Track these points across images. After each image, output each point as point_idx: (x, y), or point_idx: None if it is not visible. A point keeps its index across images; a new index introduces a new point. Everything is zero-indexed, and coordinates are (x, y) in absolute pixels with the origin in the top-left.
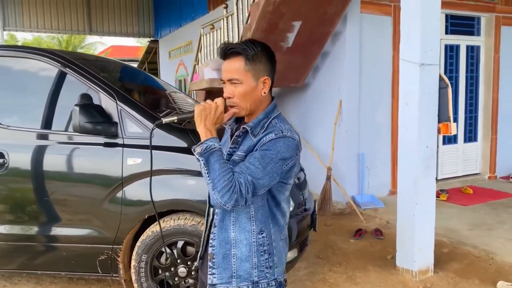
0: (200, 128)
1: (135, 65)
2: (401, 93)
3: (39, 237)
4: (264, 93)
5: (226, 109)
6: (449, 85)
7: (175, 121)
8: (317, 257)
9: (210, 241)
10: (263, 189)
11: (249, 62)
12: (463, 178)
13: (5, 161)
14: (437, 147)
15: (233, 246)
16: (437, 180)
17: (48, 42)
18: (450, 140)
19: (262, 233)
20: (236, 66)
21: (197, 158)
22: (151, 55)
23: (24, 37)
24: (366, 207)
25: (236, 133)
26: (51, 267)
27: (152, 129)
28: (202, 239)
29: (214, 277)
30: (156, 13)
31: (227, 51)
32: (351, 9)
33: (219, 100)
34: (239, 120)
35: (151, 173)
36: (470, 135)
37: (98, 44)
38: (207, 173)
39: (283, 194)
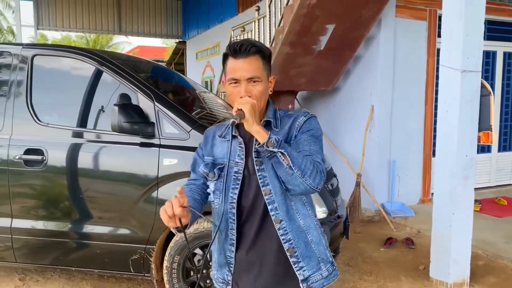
0: (255, 127)
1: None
2: (441, 100)
3: (74, 234)
4: (271, 91)
5: None
6: (492, 93)
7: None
8: (346, 264)
9: (283, 237)
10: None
11: (265, 61)
12: (497, 188)
13: (44, 158)
14: None
15: (307, 233)
16: None
17: (76, 41)
18: (483, 149)
19: (315, 216)
20: (256, 64)
21: (270, 153)
22: (178, 56)
23: (53, 36)
24: (395, 215)
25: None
26: (85, 264)
27: (232, 127)
28: (219, 250)
29: (304, 270)
30: (184, 14)
31: (246, 49)
32: (385, 13)
33: (248, 98)
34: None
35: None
36: (505, 144)
37: (125, 44)
38: (291, 163)
39: None
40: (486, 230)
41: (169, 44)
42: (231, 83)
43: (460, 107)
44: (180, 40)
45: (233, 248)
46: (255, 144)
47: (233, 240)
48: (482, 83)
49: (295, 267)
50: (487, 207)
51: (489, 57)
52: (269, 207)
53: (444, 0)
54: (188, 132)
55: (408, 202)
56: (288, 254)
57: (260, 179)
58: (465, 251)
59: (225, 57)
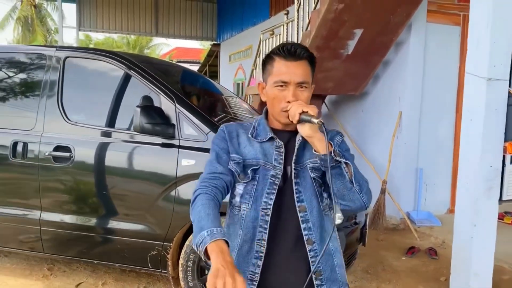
0: (319, 133)
1: (197, 67)
2: (465, 108)
3: (97, 229)
4: (309, 97)
5: None
6: None
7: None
8: (365, 272)
9: (312, 259)
10: None
11: (312, 68)
12: None
13: (72, 155)
14: (504, 166)
15: (334, 256)
16: (502, 201)
17: (117, 42)
18: None
19: (338, 237)
20: (306, 69)
21: (336, 162)
22: (212, 58)
23: (96, 37)
24: (421, 224)
25: (297, 139)
26: (106, 258)
27: (323, 125)
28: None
29: None
30: (219, 17)
31: (300, 52)
32: (416, 17)
33: (314, 108)
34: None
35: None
36: None
37: (164, 46)
38: (353, 176)
39: None
40: None
41: (206, 45)
42: (278, 85)
43: (485, 116)
44: (215, 42)
45: (260, 263)
46: (296, 151)
47: (262, 253)
48: (509, 92)
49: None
50: None
51: None
52: (302, 226)
53: (471, 6)
54: (207, 134)
55: (436, 212)
56: (314, 276)
57: (296, 193)
58: (487, 264)
59: (270, 59)
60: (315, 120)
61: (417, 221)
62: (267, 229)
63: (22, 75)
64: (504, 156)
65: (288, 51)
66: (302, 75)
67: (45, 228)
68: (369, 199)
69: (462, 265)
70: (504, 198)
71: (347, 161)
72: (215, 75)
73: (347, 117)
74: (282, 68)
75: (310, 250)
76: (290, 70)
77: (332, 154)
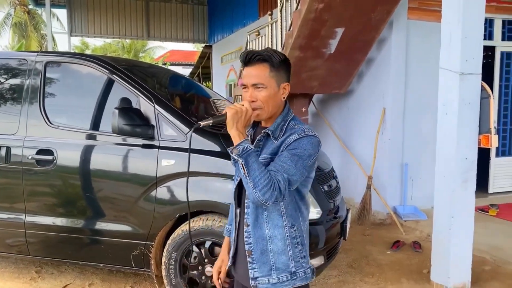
0: (233, 131)
1: (190, 69)
2: (440, 102)
3: (81, 230)
4: (284, 98)
5: None
6: (491, 95)
7: (211, 124)
8: (349, 266)
9: (246, 239)
10: (295, 185)
11: (274, 69)
12: None
13: (54, 158)
14: (489, 159)
15: (269, 242)
16: (488, 194)
17: (113, 47)
18: (504, 152)
19: (293, 227)
20: (262, 72)
21: (235, 159)
22: (205, 60)
23: (94, 43)
24: (407, 219)
25: (258, 137)
26: (91, 259)
27: (192, 131)
28: (232, 240)
29: (255, 271)
30: (210, 19)
31: (253, 58)
32: (397, 15)
33: (246, 104)
34: (255, 125)
35: (188, 174)
36: None
37: (159, 49)
38: (247, 173)
39: (307, 187)
40: (499, 236)
41: (200, 48)
42: (242, 88)
43: (459, 109)
44: (207, 44)
45: (234, 236)
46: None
47: (235, 230)
48: (482, 86)
49: (249, 266)
50: (505, 212)
51: (509, 58)
52: (245, 210)
53: (443, 2)
54: (186, 134)
55: (422, 206)
56: (247, 254)
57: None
58: (465, 255)
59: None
60: (209, 121)
61: (403, 216)
62: (237, 215)
63: (4, 81)
64: (489, 150)
65: (244, 58)
66: (256, 77)
67: (30, 231)
68: (265, 196)
69: (441, 256)
70: (490, 191)
71: (239, 159)
72: (208, 77)
73: (333, 115)
74: (243, 73)
75: (245, 231)
76: (247, 74)
77: (230, 152)
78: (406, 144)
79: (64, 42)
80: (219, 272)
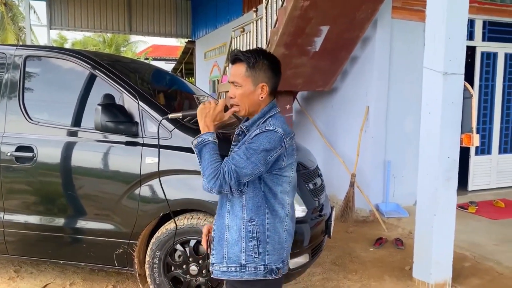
0: (201, 124)
1: (173, 64)
2: (424, 102)
3: (62, 229)
4: (262, 97)
5: (227, 109)
6: (474, 95)
7: (180, 117)
8: (333, 263)
9: (213, 226)
10: (247, 178)
11: (249, 69)
12: (496, 190)
13: (34, 155)
14: (469, 157)
15: (226, 231)
16: (467, 191)
17: (94, 41)
18: (483, 150)
19: (252, 221)
20: (238, 71)
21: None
22: (188, 55)
23: (74, 36)
24: (389, 216)
25: (236, 132)
26: (72, 258)
27: (160, 123)
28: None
29: (213, 257)
30: (193, 14)
31: (233, 57)
32: (381, 14)
33: (220, 101)
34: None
35: (158, 170)
36: (506, 146)
37: (141, 43)
38: (200, 162)
39: (280, 186)
40: (478, 232)
41: (183, 42)
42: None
43: (443, 109)
44: (190, 39)
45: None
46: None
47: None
48: (464, 86)
49: (211, 252)
50: (484, 209)
51: (489, 59)
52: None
53: (428, 2)
54: (171, 131)
55: (404, 203)
56: (211, 240)
57: None
58: (447, 252)
59: None
60: (179, 114)
61: (385, 213)
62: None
63: None
64: (469, 148)
65: (229, 57)
66: (233, 76)
67: (9, 229)
68: (210, 184)
69: (423, 253)
70: (470, 188)
71: (194, 149)
72: (191, 72)
73: (317, 112)
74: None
75: (215, 218)
76: (230, 72)
77: (192, 142)
78: (388, 142)
79: (42, 36)
80: (209, 231)
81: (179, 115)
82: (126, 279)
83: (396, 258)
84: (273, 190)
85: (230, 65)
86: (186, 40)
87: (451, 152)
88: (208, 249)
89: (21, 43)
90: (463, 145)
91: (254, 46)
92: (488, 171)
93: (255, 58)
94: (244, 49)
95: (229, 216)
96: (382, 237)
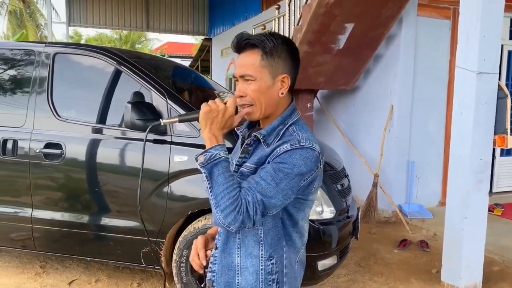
0: (205, 134)
1: (189, 62)
2: (456, 102)
3: (89, 226)
4: (282, 93)
5: (237, 111)
6: (509, 95)
7: (177, 122)
8: (358, 265)
9: (210, 265)
10: (274, 210)
11: (266, 57)
12: None
13: (63, 152)
14: (494, 158)
15: (237, 274)
16: (492, 193)
17: (109, 38)
18: (508, 152)
19: (271, 259)
20: (251, 60)
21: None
22: (204, 53)
23: (87, 33)
24: (413, 217)
25: (246, 141)
26: (99, 255)
27: (148, 130)
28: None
29: None
30: (210, 11)
31: (242, 43)
32: (407, 11)
33: (230, 100)
34: (252, 125)
35: (141, 173)
36: None
37: (155, 41)
38: (210, 188)
39: (302, 212)
40: (506, 235)
41: (198, 39)
42: (235, 80)
43: (475, 109)
44: (206, 37)
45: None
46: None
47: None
48: (499, 85)
49: None
50: (510, 212)
51: None
52: (218, 229)
53: (461, 1)
54: (199, 130)
55: (427, 204)
56: (207, 284)
57: None
58: (477, 256)
59: None
60: (175, 119)
61: (408, 214)
62: (218, 233)
63: (11, 72)
64: (494, 149)
65: (233, 44)
66: (244, 67)
67: (37, 225)
68: (227, 220)
69: (453, 257)
70: (494, 190)
71: (203, 170)
72: (207, 70)
73: (338, 111)
74: (236, 61)
75: (212, 255)
76: (237, 63)
77: (196, 160)
78: (412, 141)
79: (58, 32)
80: (206, 244)
81: (175, 120)
82: (150, 277)
83: (422, 261)
84: (294, 217)
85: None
86: (202, 37)
87: (483, 153)
88: (206, 270)
89: (39, 40)
90: (496, 146)
91: None
92: None
93: (273, 42)
94: None
95: (241, 253)
96: (406, 239)
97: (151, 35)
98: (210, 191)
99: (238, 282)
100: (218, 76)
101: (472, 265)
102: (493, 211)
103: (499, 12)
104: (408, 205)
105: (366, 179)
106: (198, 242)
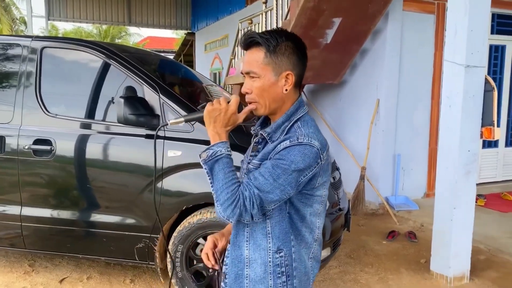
0: (209, 131)
1: (171, 56)
2: (444, 95)
3: (81, 222)
4: (286, 90)
5: (241, 109)
6: (495, 88)
7: (183, 122)
8: (348, 257)
9: (225, 258)
10: (272, 204)
11: (270, 54)
12: (503, 183)
13: (53, 148)
14: None
15: (247, 266)
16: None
17: (88, 33)
18: (490, 144)
19: (280, 252)
20: (255, 57)
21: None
22: (187, 47)
23: (64, 27)
24: (399, 209)
25: (255, 140)
26: (92, 252)
27: (157, 130)
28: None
29: None
30: (193, 6)
31: (247, 41)
32: (393, 6)
33: (233, 99)
34: (265, 123)
35: (155, 171)
36: None
37: (136, 35)
38: (211, 183)
39: (310, 207)
40: (490, 225)
41: (179, 34)
42: (244, 76)
43: (464, 102)
44: (189, 31)
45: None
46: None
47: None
48: (486, 79)
49: None
50: (492, 202)
51: (498, 51)
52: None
53: None
54: (193, 124)
55: (413, 196)
56: (222, 276)
57: None
58: (465, 245)
59: None
60: (180, 120)
61: (395, 206)
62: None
63: None
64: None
65: (240, 42)
66: (248, 64)
67: (27, 224)
68: (226, 212)
69: (442, 247)
70: (477, 181)
71: (204, 166)
72: (190, 64)
73: (325, 106)
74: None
75: (226, 249)
76: (244, 60)
77: (200, 156)
78: (398, 135)
79: (35, 26)
80: (215, 245)
81: (181, 120)
82: (143, 273)
83: (410, 251)
84: (301, 212)
85: (243, 52)
86: (184, 32)
87: (471, 145)
88: (218, 267)
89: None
90: (484, 138)
91: None
92: (495, 164)
93: (276, 40)
94: None
95: (249, 246)
96: (394, 230)
97: (131, 29)
98: (212, 186)
99: (247, 274)
100: (202, 70)
101: (461, 254)
102: (476, 202)
103: (486, 7)
104: (395, 197)
105: (353, 172)
106: (207, 244)
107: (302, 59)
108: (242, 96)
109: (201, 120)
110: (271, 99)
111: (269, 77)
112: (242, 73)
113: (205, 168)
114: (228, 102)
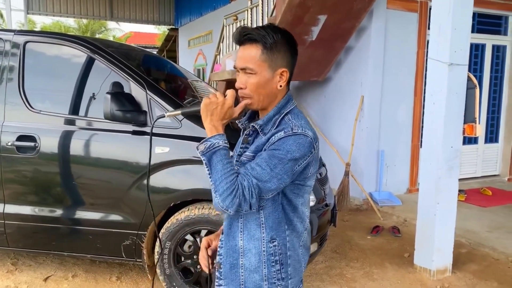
0: (206, 124)
1: (154, 52)
2: (428, 92)
3: (66, 220)
4: (280, 86)
5: (237, 102)
6: (477, 86)
7: (179, 114)
8: (334, 252)
9: (218, 249)
10: (270, 193)
11: (266, 51)
12: (482, 179)
13: (37, 144)
14: None
15: (241, 256)
16: None
17: (67, 27)
18: (470, 140)
19: (273, 242)
20: (251, 54)
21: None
22: (170, 43)
23: (42, 21)
24: (383, 204)
25: (246, 132)
26: (77, 250)
27: (154, 122)
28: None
29: None
30: (177, 1)
31: (243, 37)
32: (377, 4)
33: (229, 93)
34: (252, 117)
35: (149, 166)
36: (491, 136)
37: (117, 30)
38: (209, 174)
39: (301, 197)
40: (470, 219)
41: (162, 29)
42: (237, 71)
43: (447, 99)
44: (173, 27)
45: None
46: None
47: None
48: (468, 76)
49: (216, 282)
50: (472, 197)
51: (478, 50)
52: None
53: None
54: (180, 121)
55: (396, 192)
56: (216, 267)
57: None
58: (448, 240)
59: None
60: (177, 112)
61: (379, 201)
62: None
63: None
64: None
65: (235, 36)
66: (244, 60)
67: (10, 221)
68: (225, 203)
69: (426, 241)
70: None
71: (202, 157)
72: (173, 60)
73: (310, 102)
74: (237, 53)
75: (220, 239)
76: (238, 55)
77: (197, 148)
78: (382, 131)
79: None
80: (209, 245)
81: (178, 113)
82: (129, 270)
83: (394, 246)
84: (293, 202)
85: (228, 48)
86: (168, 27)
87: (454, 142)
88: (210, 268)
89: None
90: (466, 135)
91: None
92: (475, 160)
93: (273, 37)
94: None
95: (244, 236)
96: (378, 225)
97: (111, 24)
98: (210, 177)
99: (242, 263)
100: (185, 66)
101: (444, 248)
102: (457, 197)
103: (469, 5)
104: (378, 192)
105: (338, 168)
106: (202, 244)
107: (294, 56)
108: (226, 90)
109: (198, 113)
110: (265, 95)
111: (265, 73)
112: (235, 67)
113: (203, 160)
114: (225, 96)
